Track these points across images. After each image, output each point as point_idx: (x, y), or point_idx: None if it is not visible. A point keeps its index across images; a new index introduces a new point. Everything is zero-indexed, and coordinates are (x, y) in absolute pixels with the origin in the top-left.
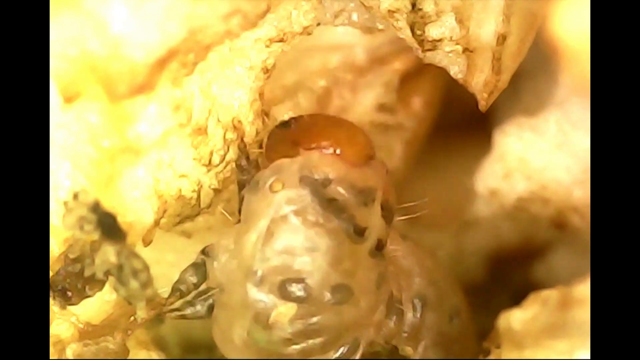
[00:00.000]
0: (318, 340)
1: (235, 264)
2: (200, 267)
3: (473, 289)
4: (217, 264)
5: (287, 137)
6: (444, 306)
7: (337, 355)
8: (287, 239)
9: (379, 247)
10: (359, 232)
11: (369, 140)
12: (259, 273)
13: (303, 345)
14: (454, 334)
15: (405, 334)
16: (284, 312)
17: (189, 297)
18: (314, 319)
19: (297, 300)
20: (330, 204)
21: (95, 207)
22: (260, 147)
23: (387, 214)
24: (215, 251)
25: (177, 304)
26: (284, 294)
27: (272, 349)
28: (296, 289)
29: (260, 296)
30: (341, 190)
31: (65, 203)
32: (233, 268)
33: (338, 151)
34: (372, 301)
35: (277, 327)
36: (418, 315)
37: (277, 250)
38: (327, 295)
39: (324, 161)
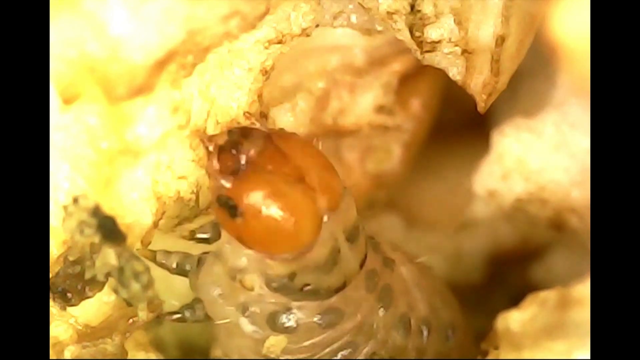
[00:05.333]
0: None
1: None
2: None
3: (471, 289)
4: None
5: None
6: (440, 326)
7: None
8: None
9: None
10: None
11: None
12: None
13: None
14: (451, 350)
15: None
16: None
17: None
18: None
19: None
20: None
21: (96, 212)
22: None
23: None
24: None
25: (176, 307)
26: None
27: None
28: None
29: None
30: None
31: (65, 207)
32: None
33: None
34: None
35: None
36: (424, 340)
37: None
38: None
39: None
